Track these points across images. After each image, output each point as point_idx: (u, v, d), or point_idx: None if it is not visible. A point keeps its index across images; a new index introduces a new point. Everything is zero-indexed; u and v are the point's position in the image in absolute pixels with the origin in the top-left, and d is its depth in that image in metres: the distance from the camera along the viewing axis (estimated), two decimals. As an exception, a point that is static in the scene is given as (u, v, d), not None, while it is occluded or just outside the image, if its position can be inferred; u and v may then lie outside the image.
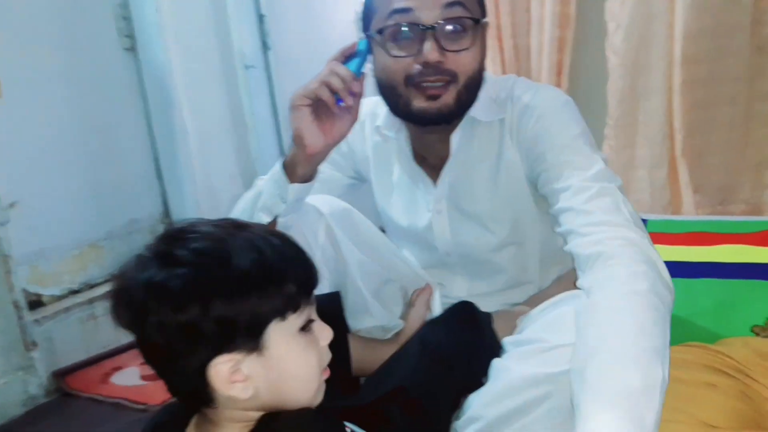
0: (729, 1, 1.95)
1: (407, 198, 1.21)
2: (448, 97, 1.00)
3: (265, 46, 2.17)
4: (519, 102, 1.06)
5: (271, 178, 1.06)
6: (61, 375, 1.55)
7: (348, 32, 2.49)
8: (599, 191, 0.92)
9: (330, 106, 0.99)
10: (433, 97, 1.00)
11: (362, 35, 1.05)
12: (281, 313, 0.64)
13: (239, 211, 1.10)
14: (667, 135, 2.10)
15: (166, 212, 1.99)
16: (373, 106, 1.18)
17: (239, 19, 2.06)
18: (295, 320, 0.66)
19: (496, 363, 0.85)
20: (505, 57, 2.30)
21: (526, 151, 1.06)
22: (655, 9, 2.03)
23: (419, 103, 1.01)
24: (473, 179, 1.12)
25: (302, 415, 0.69)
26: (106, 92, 1.83)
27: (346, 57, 1.01)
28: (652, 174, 2.15)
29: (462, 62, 0.99)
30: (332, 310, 1.04)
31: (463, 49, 0.99)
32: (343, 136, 1.03)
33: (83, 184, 1.77)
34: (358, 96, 1.02)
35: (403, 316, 1.18)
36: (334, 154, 1.23)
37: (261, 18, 2.16)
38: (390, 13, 0.98)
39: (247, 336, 0.63)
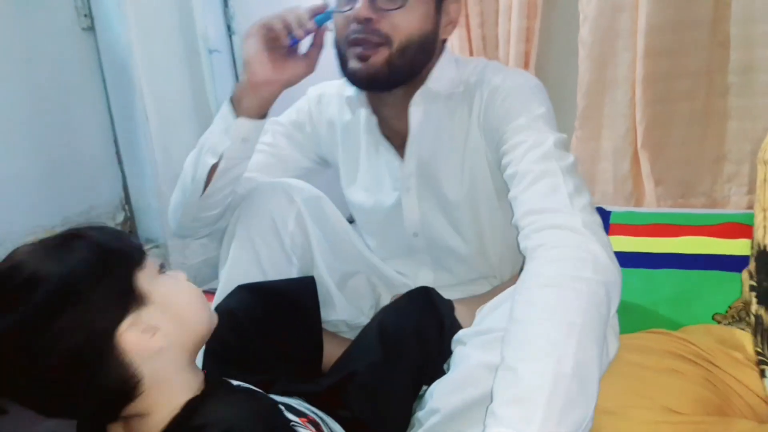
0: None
1: (374, 175, 1.19)
2: (378, 59, 0.99)
3: (229, 30, 2.13)
4: (489, 84, 1.05)
5: (218, 114, 1.04)
6: None
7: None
8: (540, 174, 0.91)
9: (280, 38, 0.99)
10: (363, 58, 0.99)
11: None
12: (138, 263, 0.68)
13: (188, 160, 1.07)
14: (630, 128, 2.13)
15: (126, 198, 1.94)
16: (338, 87, 1.16)
17: (203, 2, 2.01)
18: (150, 264, 0.69)
19: (457, 352, 0.84)
20: (473, 46, 2.29)
21: (491, 132, 1.05)
22: (621, 2, 2.05)
23: (352, 63, 1.01)
24: (442, 160, 1.12)
25: (231, 394, 0.70)
26: (63, 73, 1.76)
27: (315, 13, 1.02)
28: (615, 166, 2.17)
29: (396, 23, 0.98)
30: (306, 297, 1.03)
31: (396, 8, 0.97)
32: (294, 79, 1.03)
33: (39, 168, 1.71)
34: (316, 46, 1.02)
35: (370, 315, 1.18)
36: (296, 133, 1.20)
37: (226, 2, 2.11)
38: None
39: (122, 298, 0.65)
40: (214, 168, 1.02)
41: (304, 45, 1.05)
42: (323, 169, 1.29)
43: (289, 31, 0.99)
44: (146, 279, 0.67)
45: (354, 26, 0.98)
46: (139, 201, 1.93)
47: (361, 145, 1.20)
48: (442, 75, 1.06)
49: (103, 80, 1.86)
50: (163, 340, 0.66)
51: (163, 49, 1.92)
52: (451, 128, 1.10)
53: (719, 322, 1.06)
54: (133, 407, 0.66)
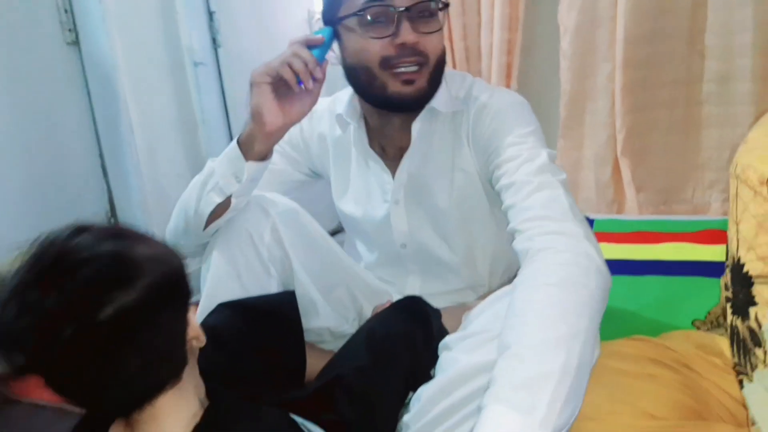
0: (667, 8, 2.01)
1: (363, 187, 1.22)
2: (422, 81, 1.03)
3: (215, 43, 2.13)
4: (477, 102, 1.09)
5: (225, 156, 1.04)
6: (2, 380, 1.49)
7: (299, 30, 2.48)
8: (539, 185, 0.94)
9: (291, 86, 0.99)
10: (409, 82, 1.02)
11: (322, 25, 1.05)
12: None
13: (188, 195, 1.08)
14: (611, 136, 2.16)
15: (113, 212, 1.93)
16: (331, 102, 1.18)
17: (188, 15, 2.02)
18: None
19: (443, 356, 0.85)
20: (455, 58, 2.32)
21: (481, 149, 1.08)
22: (599, 14, 2.08)
23: (395, 87, 1.02)
24: (432, 173, 1.14)
25: (251, 407, 0.70)
26: (47, 88, 1.76)
27: (309, 46, 1.01)
28: (597, 174, 2.20)
29: (433, 44, 1.02)
30: (287, 311, 1.04)
31: (435, 31, 1.01)
32: (302, 116, 1.03)
33: (24, 182, 1.70)
34: (319, 81, 1.02)
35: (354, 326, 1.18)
36: (288, 149, 1.22)
37: (211, 15, 2.12)
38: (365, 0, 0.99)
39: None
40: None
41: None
42: (315, 181, 1.31)
43: (298, 78, 0.99)
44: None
45: (394, 50, 0.99)
46: (125, 214, 1.92)
47: (352, 159, 1.22)
48: (441, 92, 1.08)
49: (88, 94, 1.86)
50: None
51: (148, 63, 1.92)
52: (441, 143, 1.13)
53: (698, 328, 1.08)
54: (149, 407, 0.66)
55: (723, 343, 0.96)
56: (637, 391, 0.84)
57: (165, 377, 0.67)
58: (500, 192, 1.00)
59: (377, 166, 1.17)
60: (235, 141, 1.04)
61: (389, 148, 1.16)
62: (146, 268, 0.64)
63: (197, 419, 0.68)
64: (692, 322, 1.09)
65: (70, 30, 1.80)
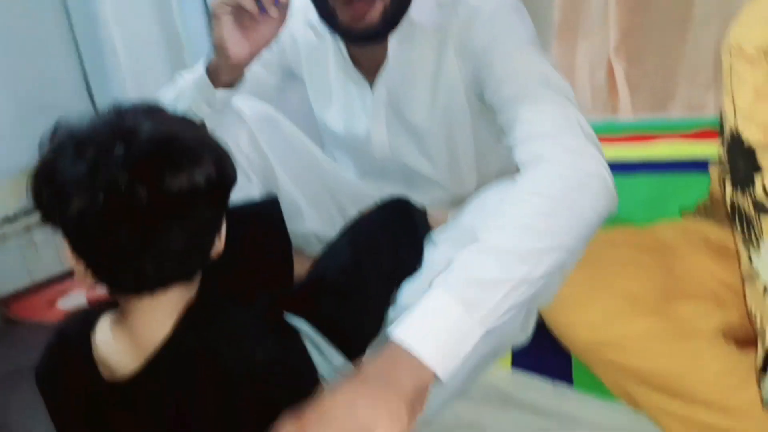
0: None
1: (343, 102, 1.17)
2: (374, 14, 0.96)
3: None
4: (466, 6, 1.01)
5: (194, 83, 1.02)
6: (4, 302, 1.53)
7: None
8: (544, 98, 0.89)
9: (254, 15, 0.94)
10: (358, 17, 0.95)
11: None
12: None
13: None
14: (605, 38, 2.10)
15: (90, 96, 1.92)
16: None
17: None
18: None
19: (429, 252, 0.86)
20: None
21: (472, 60, 1.01)
22: None
23: (344, 17, 0.97)
24: (412, 89, 1.09)
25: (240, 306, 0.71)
26: (28, 14, 1.72)
27: None
28: (591, 75, 2.16)
29: None
30: (272, 214, 1.04)
31: None
32: (268, 43, 0.99)
33: (11, 108, 1.69)
34: (283, 3, 0.96)
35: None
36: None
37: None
38: None
39: None
40: None
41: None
42: (291, 85, 1.26)
43: (260, 4, 0.93)
44: None
45: None
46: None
47: (330, 71, 1.17)
48: (422, 4, 1.01)
49: (69, 18, 1.82)
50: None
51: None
52: (422, 58, 1.06)
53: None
54: (151, 298, 0.67)
55: (709, 229, 0.97)
56: (618, 275, 0.86)
57: (190, 268, 0.69)
58: (497, 105, 0.95)
59: (359, 80, 1.12)
60: (203, 68, 1.00)
61: (365, 61, 1.10)
62: (211, 153, 0.65)
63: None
64: (681, 213, 1.10)
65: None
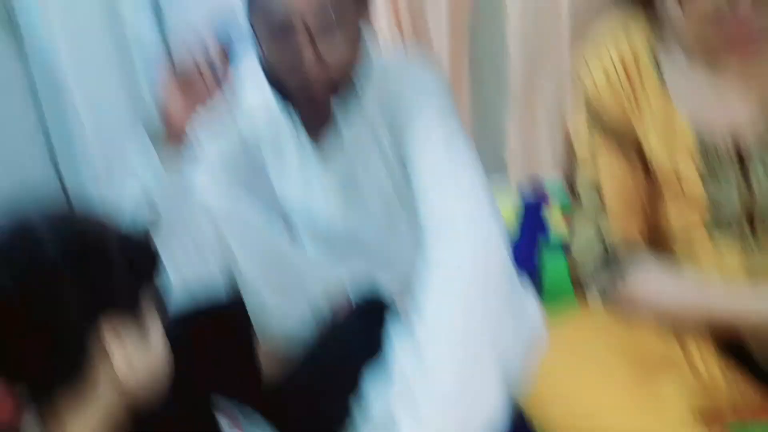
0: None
1: (298, 173, 1.17)
2: (324, 95, 1.01)
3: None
4: (387, 79, 1.06)
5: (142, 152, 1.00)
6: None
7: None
8: (435, 163, 0.97)
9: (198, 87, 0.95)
10: (311, 100, 1.01)
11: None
12: None
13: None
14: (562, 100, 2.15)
15: (58, 174, 1.87)
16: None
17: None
18: None
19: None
20: (401, 18, 2.22)
21: (386, 120, 1.06)
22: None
23: (294, 94, 1.02)
24: (353, 155, 1.11)
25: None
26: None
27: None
28: (551, 135, 2.19)
29: (337, 62, 0.98)
30: (238, 317, 1.03)
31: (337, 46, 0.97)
32: (209, 104, 0.98)
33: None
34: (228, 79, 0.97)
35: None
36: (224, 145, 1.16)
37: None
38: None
39: None
40: None
41: None
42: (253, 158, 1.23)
43: (205, 76, 0.94)
44: None
45: (301, 72, 0.96)
46: (71, 174, 1.87)
47: (283, 138, 1.16)
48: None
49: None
50: None
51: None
52: (356, 123, 1.09)
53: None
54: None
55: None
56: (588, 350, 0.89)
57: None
58: (408, 177, 1.01)
59: (306, 142, 1.13)
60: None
61: (313, 122, 1.12)
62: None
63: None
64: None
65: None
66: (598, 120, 0.96)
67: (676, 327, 0.92)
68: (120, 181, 1.06)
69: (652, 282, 0.92)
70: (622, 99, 0.94)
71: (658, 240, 0.99)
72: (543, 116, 2.20)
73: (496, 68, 2.21)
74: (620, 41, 0.95)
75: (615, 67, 0.94)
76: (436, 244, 0.89)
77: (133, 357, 0.66)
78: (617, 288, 0.93)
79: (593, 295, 0.96)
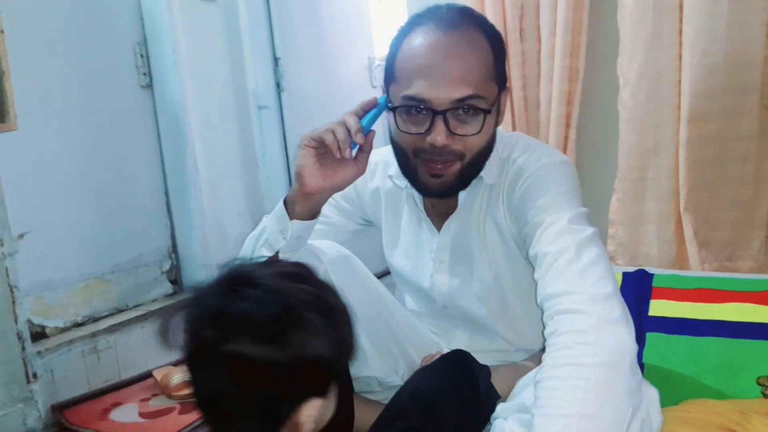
0: (739, 63, 1.98)
1: (413, 244, 1.22)
2: (451, 175, 1.03)
3: (279, 88, 2.21)
4: (513, 165, 1.08)
5: (274, 213, 1.08)
6: (60, 409, 1.54)
7: (359, 76, 2.54)
8: (554, 254, 0.92)
9: (332, 152, 1.00)
10: (437, 175, 1.02)
11: (383, 89, 1.06)
12: None
13: (245, 248, 1.12)
14: (675, 190, 2.11)
15: (174, 247, 2.00)
16: (386, 154, 1.19)
17: (255, 61, 2.11)
18: None
19: (497, 425, 0.84)
20: (514, 107, 2.32)
21: (515, 215, 1.07)
22: (662, 67, 2.06)
23: (424, 176, 1.04)
24: (473, 239, 1.14)
25: None
26: (120, 127, 1.85)
27: (366, 111, 1.03)
28: (659, 228, 2.15)
29: (470, 143, 1.01)
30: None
31: (472, 134, 1.00)
32: (344, 184, 1.05)
33: (93, 216, 1.78)
34: (364, 150, 1.03)
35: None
36: (342, 203, 1.24)
37: (276, 60, 2.21)
38: (404, 96, 1.00)
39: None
40: None
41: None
42: (369, 229, 1.33)
43: (340, 146, 1.00)
44: None
45: (428, 147, 1.00)
46: (186, 251, 1.99)
47: (403, 214, 1.23)
48: (492, 166, 1.08)
49: (158, 135, 1.94)
50: None
51: (215, 106, 2.01)
52: (480, 209, 1.13)
53: (763, 385, 1.04)
54: None
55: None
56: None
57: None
58: (532, 262, 0.99)
59: (428, 226, 1.18)
60: (282, 199, 1.07)
61: (437, 208, 1.17)
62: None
63: None
64: (757, 380, 1.05)
65: (145, 74, 1.90)
66: None
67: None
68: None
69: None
70: None
71: None
72: (652, 208, 2.15)
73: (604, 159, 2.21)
74: None
75: None
76: (559, 330, 0.85)
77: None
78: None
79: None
